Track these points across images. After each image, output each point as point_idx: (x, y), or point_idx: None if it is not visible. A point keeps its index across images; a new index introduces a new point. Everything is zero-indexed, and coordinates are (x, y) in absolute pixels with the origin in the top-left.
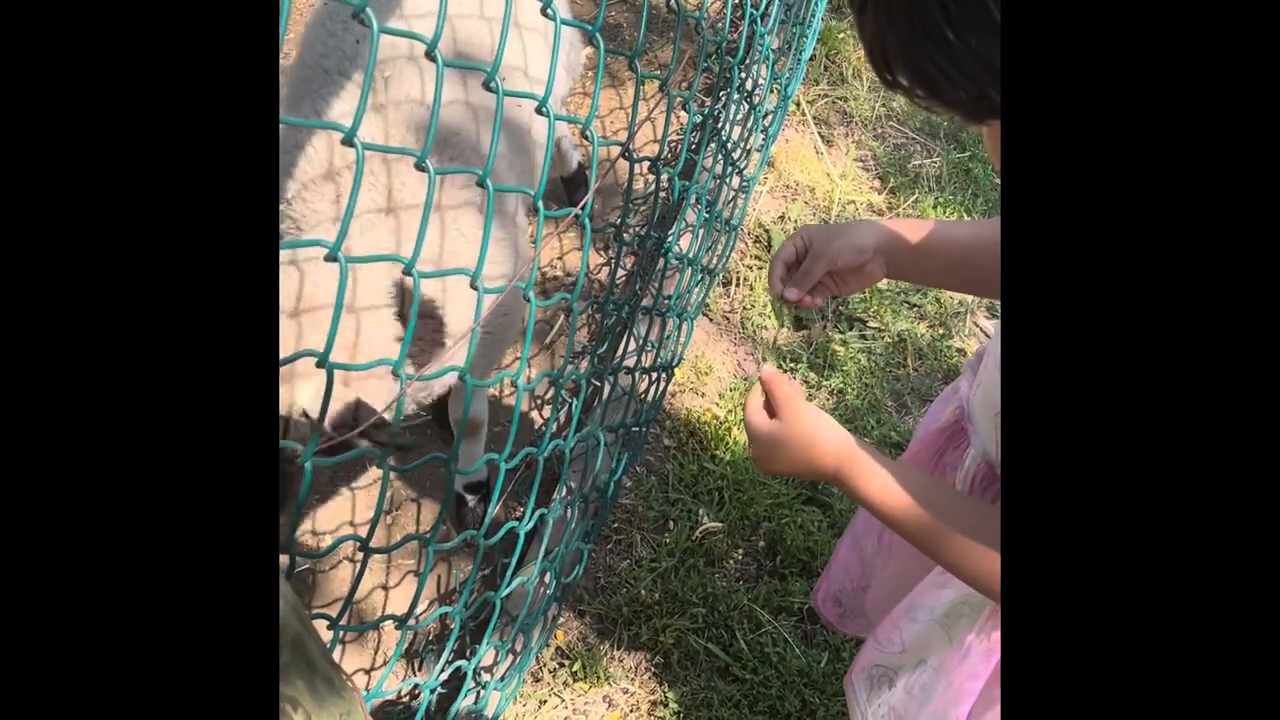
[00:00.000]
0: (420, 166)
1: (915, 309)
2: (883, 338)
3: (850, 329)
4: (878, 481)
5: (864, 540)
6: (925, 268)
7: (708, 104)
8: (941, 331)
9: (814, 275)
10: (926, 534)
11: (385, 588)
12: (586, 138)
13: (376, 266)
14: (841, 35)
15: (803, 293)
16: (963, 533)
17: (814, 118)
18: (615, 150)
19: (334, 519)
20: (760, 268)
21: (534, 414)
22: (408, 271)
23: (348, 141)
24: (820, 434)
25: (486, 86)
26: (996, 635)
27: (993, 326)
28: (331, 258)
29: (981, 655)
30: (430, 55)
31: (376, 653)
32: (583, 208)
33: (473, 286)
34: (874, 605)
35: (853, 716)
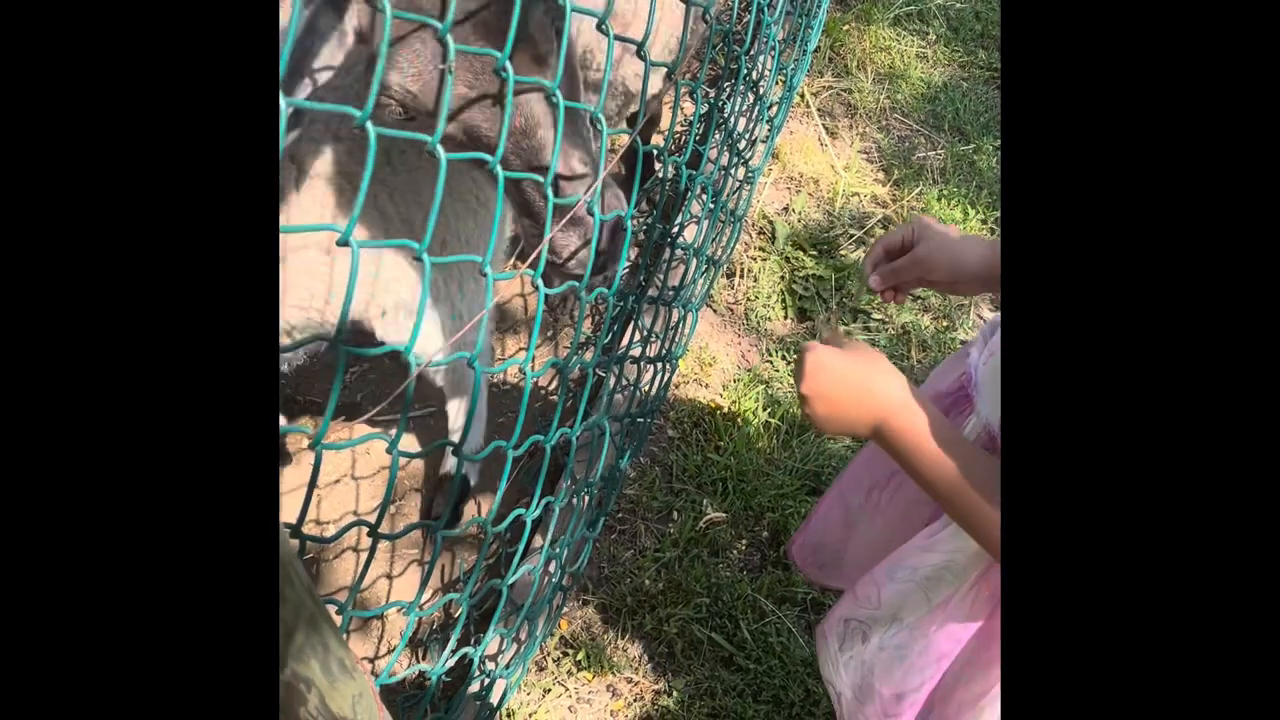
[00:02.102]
0: (432, 153)
1: (919, 301)
2: (887, 330)
3: (855, 320)
4: (918, 442)
5: (850, 495)
6: None
7: (712, 94)
8: (946, 324)
9: (901, 277)
10: (963, 496)
11: (389, 576)
12: (595, 125)
13: None
14: (846, 27)
15: (885, 284)
16: (978, 504)
17: (818, 109)
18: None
19: (337, 509)
20: (764, 259)
21: (538, 404)
22: (418, 257)
23: (360, 128)
24: (885, 367)
25: (496, 73)
26: (978, 602)
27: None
28: (343, 242)
29: (960, 621)
30: (442, 40)
31: (380, 641)
32: (590, 195)
33: (482, 274)
34: (853, 560)
35: (821, 666)
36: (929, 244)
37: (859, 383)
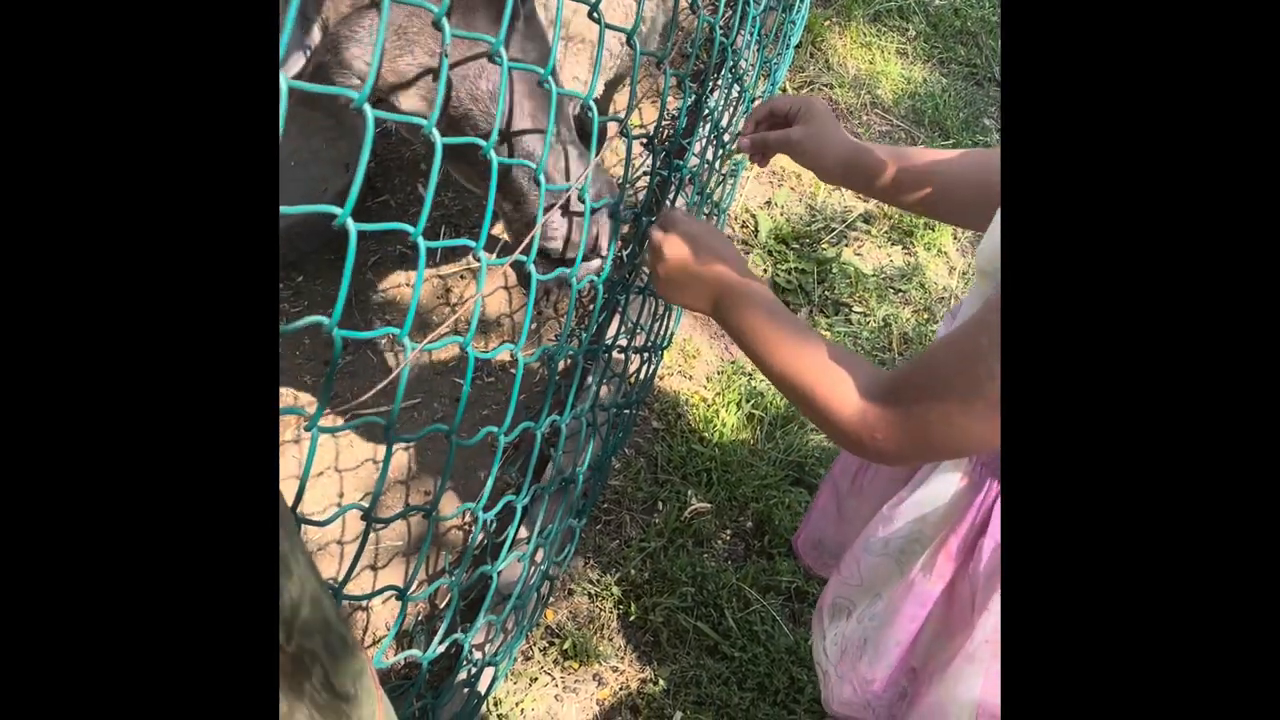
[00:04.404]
0: (428, 138)
1: (901, 294)
2: (868, 323)
3: (836, 314)
4: (761, 310)
5: (841, 482)
6: (881, 192)
7: (698, 87)
8: (926, 316)
9: (770, 148)
10: (783, 365)
11: (374, 568)
12: (588, 113)
13: None
14: (827, 23)
15: (754, 149)
16: (814, 368)
17: None
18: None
19: (321, 500)
20: (747, 252)
21: (522, 396)
22: (414, 240)
23: (357, 110)
24: (731, 247)
25: (490, 59)
26: (940, 564)
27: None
28: (340, 225)
29: (926, 585)
30: (437, 26)
31: (365, 633)
32: (580, 186)
33: (475, 258)
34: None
35: (814, 648)
36: (806, 130)
37: (708, 258)
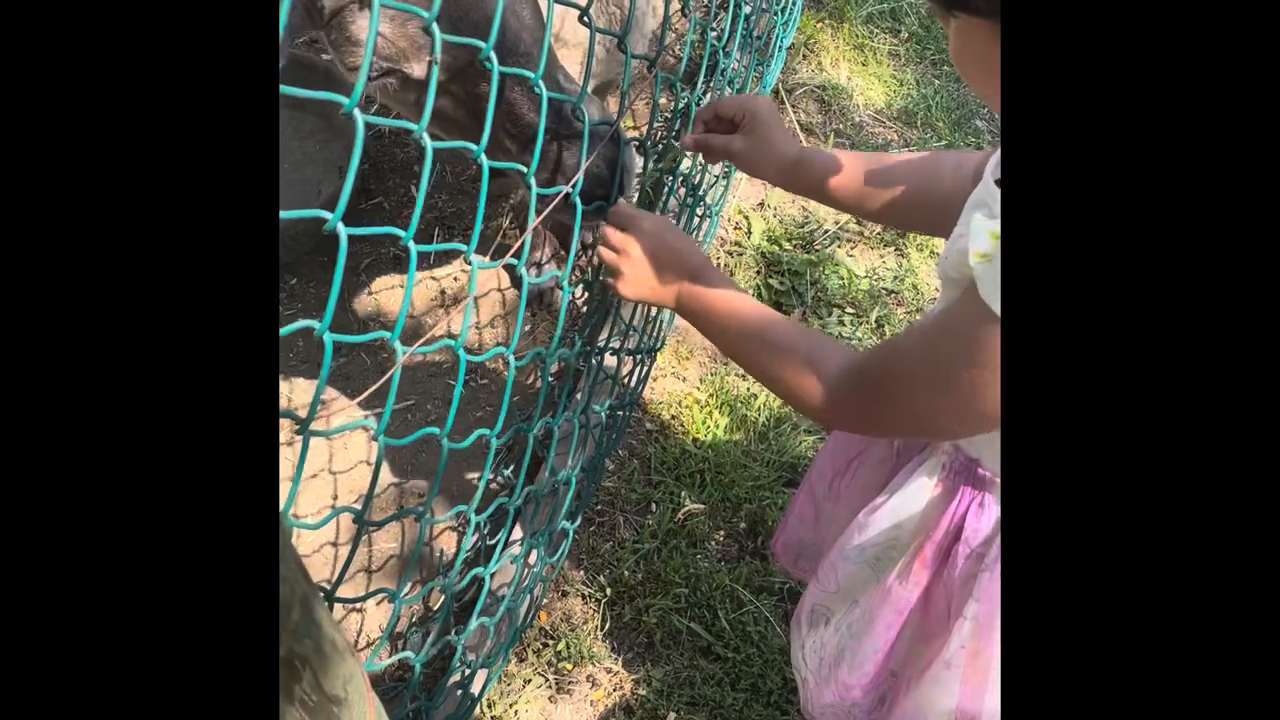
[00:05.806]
0: (419, 142)
1: (894, 295)
2: (861, 324)
3: (829, 315)
4: (726, 294)
5: (817, 487)
6: (825, 198)
7: (689, 90)
8: (918, 317)
9: (713, 153)
10: (755, 345)
11: (368, 570)
12: (577, 115)
13: None
14: (819, 24)
15: (697, 149)
16: (786, 348)
17: (793, 106)
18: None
19: (314, 503)
20: (740, 253)
21: (516, 397)
22: (404, 245)
23: (348, 115)
24: (686, 237)
25: (481, 64)
26: (916, 570)
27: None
28: (330, 230)
29: (902, 591)
30: (428, 29)
31: (358, 636)
32: (574, 186)
33: (467, 261)
34: (827, 552)
35: (792, 655)
36: (747, 140)
37: (673, 250)
